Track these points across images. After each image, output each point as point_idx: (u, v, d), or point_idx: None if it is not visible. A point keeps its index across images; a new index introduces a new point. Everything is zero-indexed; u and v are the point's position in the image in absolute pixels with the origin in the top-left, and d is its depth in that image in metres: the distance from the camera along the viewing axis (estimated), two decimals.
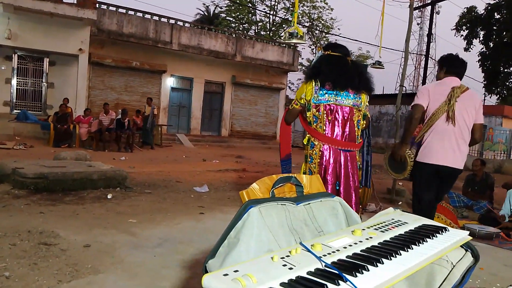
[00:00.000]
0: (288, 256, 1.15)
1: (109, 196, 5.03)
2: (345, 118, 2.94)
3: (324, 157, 2.92)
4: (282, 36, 22.16)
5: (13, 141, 10.51)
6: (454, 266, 1.38)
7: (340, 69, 2.97)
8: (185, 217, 4.37)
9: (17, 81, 13.15)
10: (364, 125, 3.12)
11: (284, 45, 18.92)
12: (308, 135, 3.05)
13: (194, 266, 2.94)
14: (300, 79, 30.98)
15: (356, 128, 3.00)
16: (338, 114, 2.92)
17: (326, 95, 2.92)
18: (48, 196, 4.77)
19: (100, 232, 3.59)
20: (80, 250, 3.09)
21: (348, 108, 2.95)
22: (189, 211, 4.72)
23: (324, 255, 1.18)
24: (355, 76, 2.98)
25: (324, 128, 2.92)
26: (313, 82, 2.95)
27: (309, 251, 1.19)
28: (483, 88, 18.88)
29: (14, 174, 5.05)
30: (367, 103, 3.09)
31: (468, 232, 1.51)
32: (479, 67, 18.42)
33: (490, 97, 20.30)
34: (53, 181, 5.05)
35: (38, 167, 5.34)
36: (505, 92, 18.66)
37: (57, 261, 2.82)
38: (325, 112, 2.91)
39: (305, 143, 3.08)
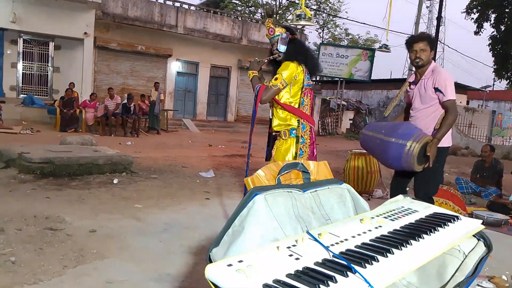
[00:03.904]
0: (294, 245, 1.11)
1: (115, 181, 5.03)
2: (312, 100, 3.29)
3: (313, 137, 3.24)
4: (289, 18, 21.83)
5: (20, 126, 10.53)
6: (466, 256, 1.33)
7: (313, 55, 3.40)
8: (190, 203, 4.36)
9: (23, 65, 13.10)
10: None
11: None
12: (297, 117, 3.15)
13: (199, 252, 2.93)
14: None
15: None
16: (311, 97, 3.25)
17: (309, 80, 3.22)
18: (54, 181, 4.78)
19: (106, 217, 3.58)
20: (85, 235, 3.09)
21: (311, 91, 3.31)
22: (194, 196, 4.71)
23: (332, 245, 1.14)
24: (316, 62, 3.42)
25: (308, 110, 3.20)
26: (303, 66, 3.14)
27: (316, 240, 1.15)
28: (493, 73, 18.46)
29: (21, 158, 5.05)
30: None
31: (480, 221, 1.46)
32: (490, 51, 17.97)
33: (500, 82, 19.83)
34: (59, 166, 5.05)
35: (44, 152, 5.34)
36: None
37: (63, 246, 2.82)
38: (309, 95, 3.19)
39: (295, 125, 3.14)
